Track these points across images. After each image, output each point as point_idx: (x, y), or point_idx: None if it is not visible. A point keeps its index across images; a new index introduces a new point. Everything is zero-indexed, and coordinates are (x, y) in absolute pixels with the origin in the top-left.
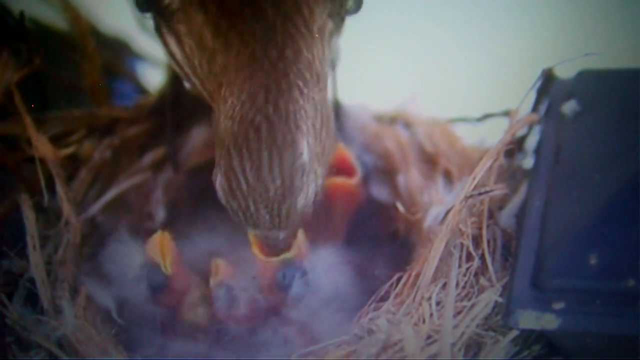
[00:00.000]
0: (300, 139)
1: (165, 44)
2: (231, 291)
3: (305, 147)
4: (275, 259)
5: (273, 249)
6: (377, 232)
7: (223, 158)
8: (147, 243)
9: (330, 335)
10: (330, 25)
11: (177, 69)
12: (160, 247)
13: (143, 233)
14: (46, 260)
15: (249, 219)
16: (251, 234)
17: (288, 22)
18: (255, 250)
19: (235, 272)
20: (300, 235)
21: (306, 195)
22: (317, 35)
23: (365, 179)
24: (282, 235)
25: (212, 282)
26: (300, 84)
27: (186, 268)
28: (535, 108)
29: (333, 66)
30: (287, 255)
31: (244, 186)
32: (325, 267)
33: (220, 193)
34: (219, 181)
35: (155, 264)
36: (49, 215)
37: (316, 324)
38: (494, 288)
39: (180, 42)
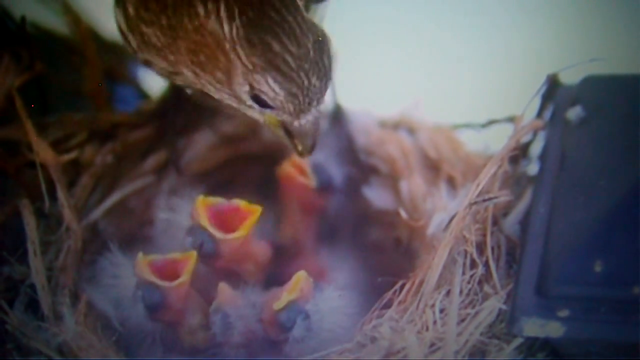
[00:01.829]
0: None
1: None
2: (227, 318)
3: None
4: (279, 304)
5: (312, 138)
6: (380, 239)
7: (260, 55)
8: (135, 264)
9: (333, 343)
10: None
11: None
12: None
13: (139, 242)
14: (47, 267)
15: (306, 95)
16: (290, 137)
17: None
18: (286, 294)
19: (237, 297)
20: (305, 277)
21: (328, 37)
22: None
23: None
24: (321, 108)
25: (213, 306)
26: None
27: (186, 286)
28: (540, 114)
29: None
30: (291, 297)
31: (292, 62)
32: (330, 309)
33: (276, 90)
34: (269, 81)
35: (149, 282)
36: (50, 221)
37: (319, 331)
38: (498, 295)
39: (125, 11)
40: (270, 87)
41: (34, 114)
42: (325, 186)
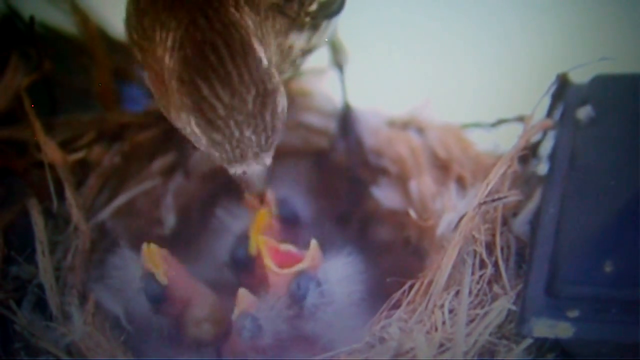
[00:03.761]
0: (255, 43)
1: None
2: (256, 321)
3: (262, 51)
4: (288, 271)
5: (259, 185)
6: (389, 239)
7: (187, 94)
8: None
9: (341, 343)
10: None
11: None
12: (150, 258)
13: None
14: (55, 266)
15: (235, 148)
16: (240, 182)
17: None
18: (267, 261)
19: (257, 302)
20: (314, 245)
21: (282, 96)
22: None
23: (293, 224)
24: (267, 160)
25: (236, 312)
26: (232, 2)
27: (187, 277)
28: (549, 113)
29: (341, 69)
30: (301, 266)
31: (222, 110)
32: (337, 277)
33: (197, 134)
34: (192, 122)
35: (151, 274)
36: (58, 221)
37: (327, 332)
38: (508, 296)
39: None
40: (194, 130)
41: (42, 114)
42: (289, 220)
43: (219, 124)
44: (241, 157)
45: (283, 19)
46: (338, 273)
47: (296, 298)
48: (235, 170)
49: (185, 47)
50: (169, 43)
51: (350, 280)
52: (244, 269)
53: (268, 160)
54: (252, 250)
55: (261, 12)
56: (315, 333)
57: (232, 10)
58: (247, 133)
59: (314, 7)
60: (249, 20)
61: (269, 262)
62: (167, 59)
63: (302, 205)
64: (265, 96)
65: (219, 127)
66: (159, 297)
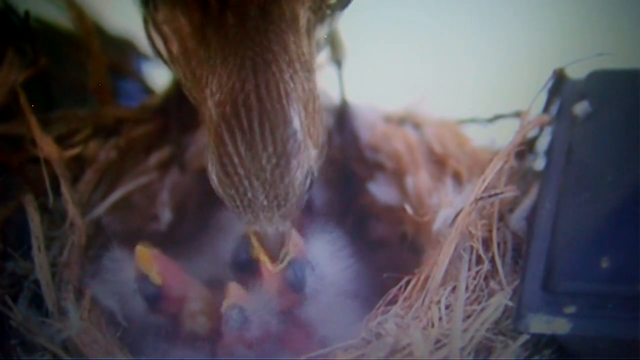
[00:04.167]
0: (293, 115)
1: (150, 38)
2: (244, 312)
3: (298, 125)
4: (281, 266)
5: (273, 248)
6: (386, 235)
7: (215, 145)
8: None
9: (338, 339)
10: (312, 19)
11: (163, 63)
12: (142, 260)
13: (144, 238)
14: (51, 262)
15: (246, 207)
16: (254, 239)
17: (272, 25)
18: (263, 258)
19: (247, 295)
20: (293, 233)
21: (303, 174)
22: (303, 32)
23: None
24: (281, 227)
25: (224, 304)
26: (291, 70)
27: (181, 275)
28: (546, 109)
29: (339, 65)
30: (290, 255)
31: (240, 169)
32: (325, 255)
33: (215, 183)
34: (214, 172)
35: (145, 275)
36: (53, 217)
37: (323, 328)
38: (504, 291)
39: (166, 42)
40: (213, 179)
41: (37, 110)
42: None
43: (234, 180)
44: (253, 216)
45: (315, 18)
46: (325, 251)
47: (296, 285)
48: (250, 228)
49: (226, 104)
50: (216, 97)
51: (338, 256)
52: (247, 270)
53: (282, 227)
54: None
55: (311, 64)
56: (310, 328)
57: (287, 78)
58: (260, 197)
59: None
60: (300, 91)
61: (264, 258)
62: (212, 110)
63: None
64: (284, 168)
65: (234, 183)
66: (154, 297)
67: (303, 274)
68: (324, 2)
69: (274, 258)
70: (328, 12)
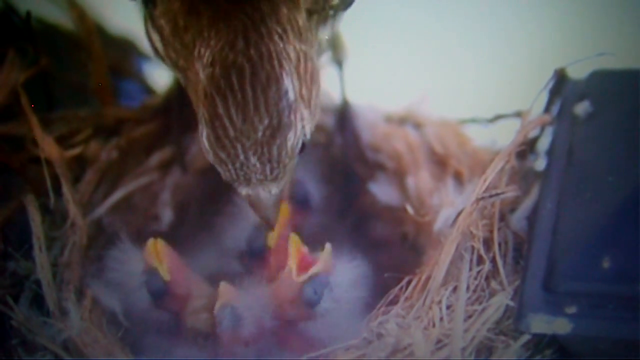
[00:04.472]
0: (284, 76)
1: (150, 40)
2: (236, 310)
3: (290, 85)
4: (305, 276)
5: (267, 212)
6: (387, 235)
7: (206, 108)
8: (145, 249)
9: (339, 339)
10: (314, 17)
11: (161, 62)
12: (155, 253)
13: (145, 237)
14: (52, 262)
15: (238, 169)
16: (247, 202)
17: None
18: (293, 264)
19: (240, 294)
20: (327, 249)
21: (295, 135)
22: (301, 7)
23: (304, 208)
24: (274, 189)
25: (217, 304)
26: (280, 30)
27: (187, 272)
28: (547, 109)
29: (340, 65)
30: (315, 270)
31: (231, 131)
32: (346, 281)
33: (206, 146)
34: (204, 134)
35: (154, 270)
36: (55, 217)
37: (326, 328)
38: (505, 292)
39: (162, 36)
40: (204, 142)
41: (39, 110)
42: (301, 203)
43: (225, 143)
44: (245, 180)
45: (318, 18)
46: (347, 278)
47: (312, 301)
48: (240, 191)
49: (215, 65)
50: (205, 59)
51: (357, 285)
52: (258, 258)
53: (274, 189)
54: (271, 242)
55: (304, 33)
56: (312, 331)
57: (276, 39)
58: (252, 159)
59: (336, 0)
60: (291, 50)
61: (293, 265)
62: (201, 72)
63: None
64: (276, 129)
65: (225, 146)
66: (161, 292)
67: (322, 292)
68: (327, 3)
69: (268, 222)
70: (331, 12)
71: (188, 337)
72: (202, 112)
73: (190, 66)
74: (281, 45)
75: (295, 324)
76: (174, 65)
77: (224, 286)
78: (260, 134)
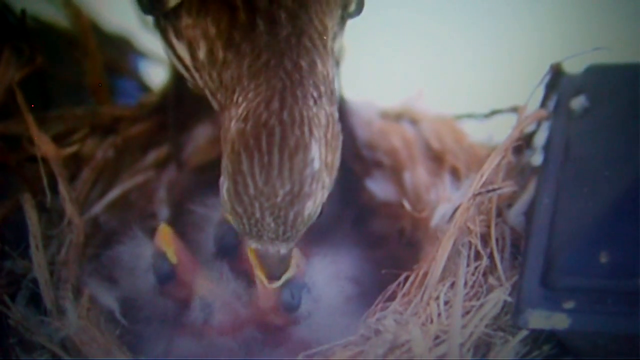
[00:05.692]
0: (313, 145)
1: (171, 46)
2: (204, 300)
3: (317, 154)
4: (277, 284)
5: (272, 268)
6: (384, 231)
7: (231, 162)
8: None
9: (336, 336)
10: (337, 35)
11: (184, 72)
12: (163, 237)
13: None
14: (49, 261)
15: (252, 226)
16: (252, 255)
17: (303, 37)
18: (259, 274)
19: (218, 289)
20: (296, 252)
21: (314, 204)
22: (330, 51)
23: None
24: (283, 249)
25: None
26: (315, 94)
27: (193, 260)
28: (543, 104)
29: (338, 62)
30: (288, 275)
31: (252, 190)
32: (323, 278)
33: (225, 197)
34: (225, 186)
35: (162, 253)
36: (51, 215)
37: (323, 326)
38: (503, 287)
39: (191, 47)
40: (223, 193)
41: (34, 108)
42: None
43: (244, 199)
44: (256, 236)
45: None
46: (325, 272)
47: (290, 307)
48: (250, 244)
49: (247, 121)
50: (240, 110)
51: (336, 279)
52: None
53: (284, 250)
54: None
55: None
56: (302, 334)
57: (311, 103)
58: (268, 219)
59: (352, 7)
60: (322, 116)
61: (261, 274)
62: (233, 122)
63: None
64: (296, 197)
65: (243, 202)
66: (168, 275)
67: (300, 295)
68: (344, 11)
69: (271, 277)
70: (346, 18)
71: (190, 327)
72: (225, 164)
73: (227, 105)
74: (314, 110)
75: (283, 331)
76: (205, 86)
77: (201, 281)
78: (279, 198)
